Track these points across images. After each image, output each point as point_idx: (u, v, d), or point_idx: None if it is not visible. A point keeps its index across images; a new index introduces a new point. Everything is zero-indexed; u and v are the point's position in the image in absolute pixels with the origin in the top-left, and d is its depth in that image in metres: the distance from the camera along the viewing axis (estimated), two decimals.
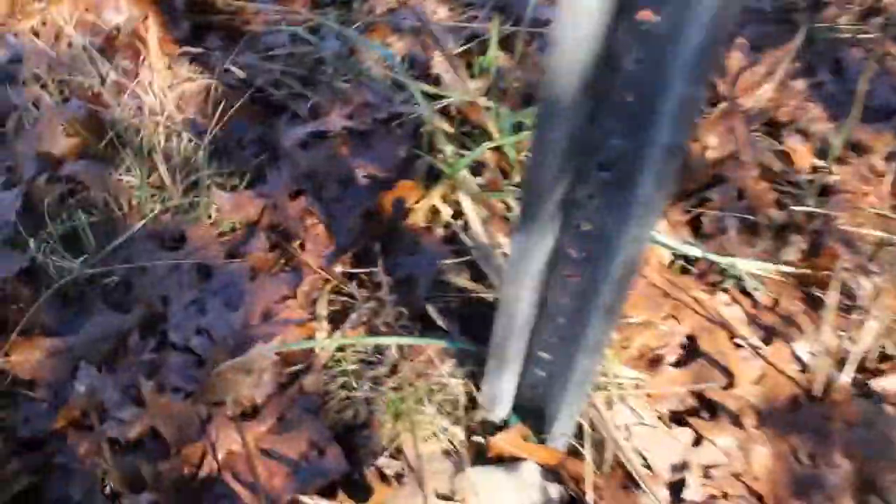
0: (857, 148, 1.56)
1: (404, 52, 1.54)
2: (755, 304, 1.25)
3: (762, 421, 1.11)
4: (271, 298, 1.14)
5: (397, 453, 1.01)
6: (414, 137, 1.36)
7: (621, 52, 0.57)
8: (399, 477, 0.98)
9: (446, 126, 1.36)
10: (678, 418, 1.12)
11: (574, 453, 1.03)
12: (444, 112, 1.39)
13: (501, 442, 1.00)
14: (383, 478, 0.97)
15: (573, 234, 0.79)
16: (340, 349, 1.07)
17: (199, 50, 1.51)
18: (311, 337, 1.09)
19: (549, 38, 0.63)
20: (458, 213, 1.25)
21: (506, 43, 1.59)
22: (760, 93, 1.62)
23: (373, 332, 1.09)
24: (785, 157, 1.50)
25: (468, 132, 1.38)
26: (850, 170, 1.50)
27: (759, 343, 1.19)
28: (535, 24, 1.66)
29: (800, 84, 1.71)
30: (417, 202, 1.25)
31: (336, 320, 1.12)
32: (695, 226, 1.35)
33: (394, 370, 1.04)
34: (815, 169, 1.50)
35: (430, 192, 1.24)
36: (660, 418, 1.11)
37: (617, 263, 0.74)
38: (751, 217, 1.37)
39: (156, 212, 1.23)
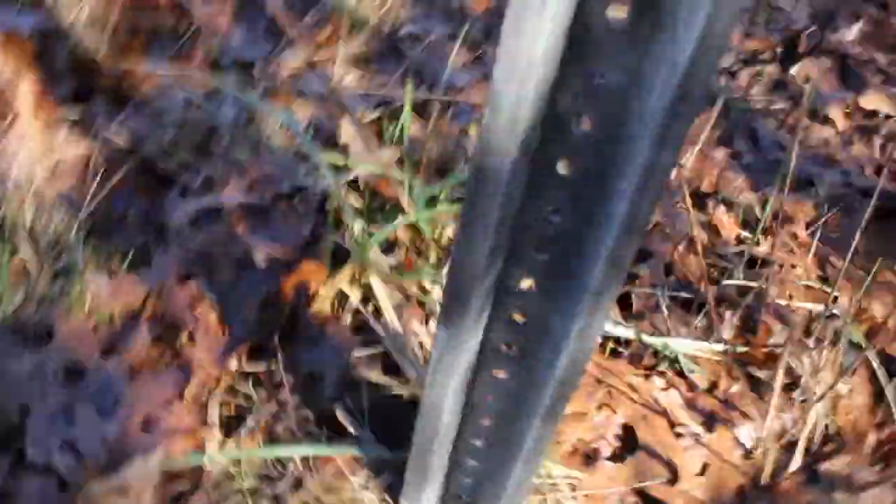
0: (779, 218, 1.53)
1: (309, 119, 1.43)
2: (692, 387, 1.16)
3: None
4: (154, 402, 0.98)
5: None
6: (319, 213, 1.24)
7: (572, 110, 0.47)
8: None
9: (355, 201, 1.24)
10: None
11: None
12: (353, 185, 1.28)
13: None
14: None
15: (504, 326, 0.67)
16: (236, 462, 0.92)
17: (79, 115, 1.35)
18: (200, 448, 0.93)
19: (481, 112, 0.53)
20: (368, 298, 1.12)
21: (419, 110, 1.51)
22: (683, 161, 1.58)
23: (273, 439, 0.94)
24: (712, 228, 1.45)
25: (379, 207, 1.27)
26: (775, 241, 1.46)
27: (699, 430, 1.10)
28: (450, 91, 1.58)
29: (719, 153, 1.68)
30: (322, 287, 1.11)
31: (230, 427, 0.97)
32: (623, 304, 1.27)
33: (298, 485, 0.90)
34: (740, 240, 1.45)
35: (337, 274, 1.11)
36: None
37: (560, 362, 0.63)
38: (682, 294, 1.29)
39: (17, 303, 1.06)
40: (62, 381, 0.98)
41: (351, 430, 0.95)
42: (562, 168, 0.52)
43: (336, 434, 0.95)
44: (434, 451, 0.78)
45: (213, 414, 0.97)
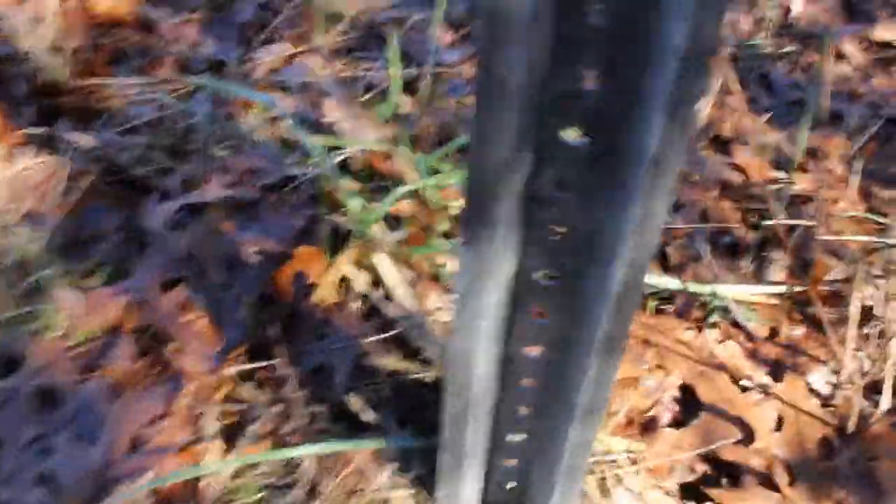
0: (812, 155, 1.40)
1: (293, 109, 1.31)
2: (751, 336, 1.03)
3: (796, 476, 0.87)
4: (141, 421, 0.85)
5: None
6: (312, 202, 1.12)
7: None
8: None
9: (350, 183, 1.12)
10: (693, 492, 0.86)
11: None
12: (346, 171, 1.16)
13: None
14: None
15: (541, 246, 0.55)
16: (238, 475, 0.79)
17: (45, 135, 1.25)
18: (196, 463, 0.80)
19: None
20: (377, 282, 1.00)
21: (411, 90, 1.40)
22: (698, 109, 1.45)
23: (280, 444, 0.81)
24: (741, 171, 1.32)
25: (377, 187, 1.15)
26: (812, 178, 1.33)
27: (767, 381, 0.97)
28: (440, 67, 1.48)
29: (735, 99, 1.56)
30: (323, 274, 0.99)
31: (232, 436, 0.84)
32: (659, 258, 1.14)
33: (313, 492, 0.77)
34: (774, 181, 1.32)
35: (338, 258, 0.99)
36: (668, 494, 0.85)
37: (614, 275, 0.51)
38: (723, 240, 1.17)
39: None
40: (36, 408, 0.86)
41: (370, 421, 0.83)
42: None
43: (353, 429, 0.82)
44: (468, 421, 0.65)
45: (211, 425, 0.85)
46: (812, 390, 0.97)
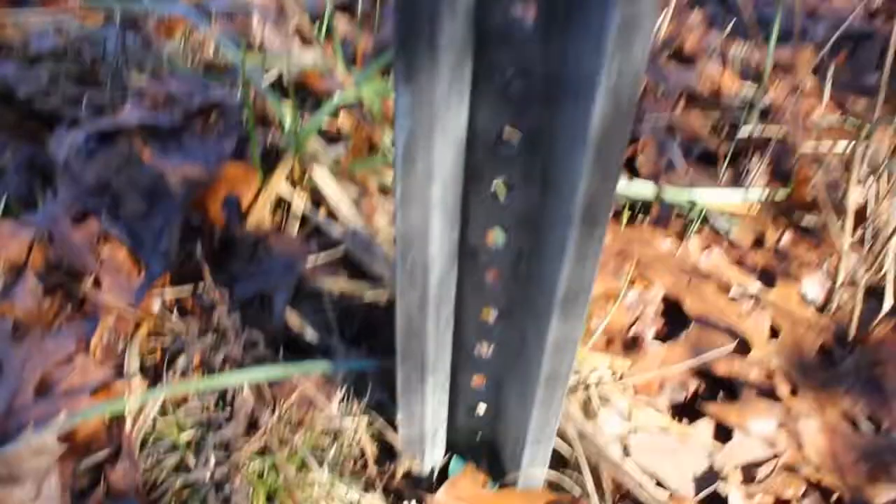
0: (780, 68, 1.32)
1: (219, 34, 1.18)
2: (735, 245, 0.94)
3: (797, 387, 0.79)
4: (51, 361, 0.73)
5: None
6: (242, 127, 0.99)
7: None
8: None
9: (282, 102, 1.00)
10: (686, 410, 0.77)
11: (556, 489, 0.67)
12: (278, 89, 1.04)
13: (446, 500, 0.63)
14: None
15: (497, 90, 0.44)
16: (165, 412, 0.67)
17: None
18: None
19: None
20: (317, 201, 0.89)
21: (347, 10, 1.28)
22: (657, 23, 1.36)
23: (213, 374, 0.70)
24: (708, 85, 1.24)
25: (313, 105, 1.03)
26: (783, 89, 1.25)
27: (757, 289, 0.88)
28: None
29: (694, 16, 1.47)
30: (256, 196, 0.87)
31: (158, 373, 0.72)
32: (628, 170, 1.04)
33: (253, 425, 0.65)
34: (741, 94, 1.24)
35: (271, 177, 0.87)
36: (659, 412, 0.76)
37: (591, 108, 0.40)
38: (695, 149, 1.08)
39: None
40: None
41: (315, 343, 0.71)
42: None
43: (297, 356, 0.70)
44: (427, 328, 0.54)
45: (133, 362, 0.73)
46: (806, 297, 0.89)
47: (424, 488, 0.65)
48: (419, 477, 0.67)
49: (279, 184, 0.87)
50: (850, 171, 0.84)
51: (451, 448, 0.69)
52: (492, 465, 0.68)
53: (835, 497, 0.71)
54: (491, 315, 0.58)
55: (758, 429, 0.74)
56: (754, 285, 0.88)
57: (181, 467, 0.64)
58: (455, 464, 0.69)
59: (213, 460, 0.63)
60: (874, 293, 0.86)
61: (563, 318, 0.53)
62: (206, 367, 0.70)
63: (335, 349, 0.70)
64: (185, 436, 0.65)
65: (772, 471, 0.72)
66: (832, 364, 0.82)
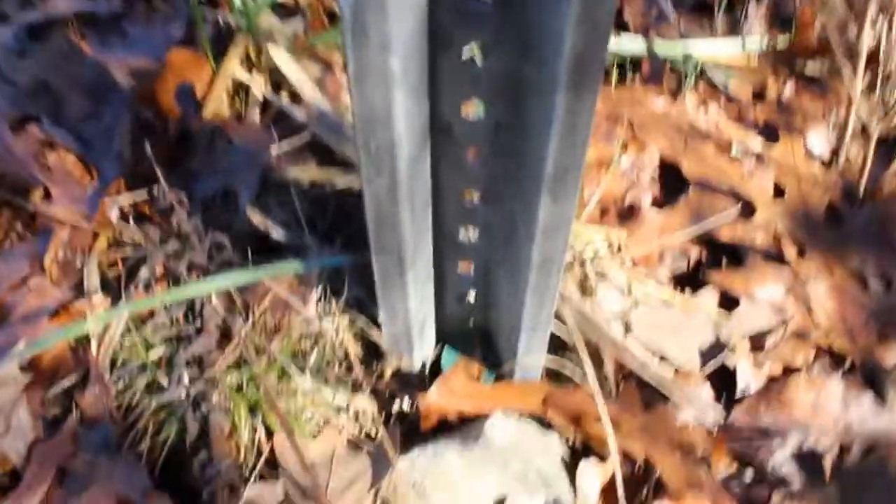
0: None
1: None
2: (733, 100, 0.87)
3: (804, 248, 0.74)
4: (4, 286, 0.68)
5: (270, 471, 0.58)
6: (188, 8, 0.90)
7: None
8: None
9: None
10: (689, 280, 0.73)
11: (556, 376, 0.63)
12: None
13: (439, 397, 0.59)
14: None
15: None
16: (131, 330, 0.62)
17: None
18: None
19: None
20: (278, 84, 0.81)
21: None
22: None
23: (178, 285, 0.64)
24: None
25: None
26: None
27: (759, 146, 0.82)
28: None
29: None
30: (211, 84, 0.79)
31: (120, 288, 0.67)
32: (616, 24, 0.96)
33: (226, 336, 0.61)
34: None
35: (225, 62, 0.79)
36: (660, 284, 0.71)
37: None
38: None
39: None
40: None
41: (285, 241, 0.66)
42: None
43: (268, 257, 0.65)
44: (402, 214, 0.48)
45: (93, 279, 0.67)
46: (812, 152, 0.83)
47: (416, 386, 0.61)
48: (409, 374, 0.63)
49: (234, 68, 0.79)
50: (864, 7, 0.76)
51: (443, 339, 0.65)
52: (486, 354, 0.64)
53: (846, 362, 0.67)
54: (473, 197, 0.53)
55: (765, 295, 0.70)
56: (756, 142, 0.81)
57: (154, 388, 0.60)
58: (447, 355, 0.65)
59: (186, 377, 0.59)
60: (884, 144, 0.80)
61: (554, 198, 0.47)
62: (171, 278, 0.65)
63: (307, 246, 0.65)
64: (155, 354, 0.61)
65: (781, 338, 0.68)
66: (840, 222, 0.77)
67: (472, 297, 0.61)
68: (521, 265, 0.52)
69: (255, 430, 0.58)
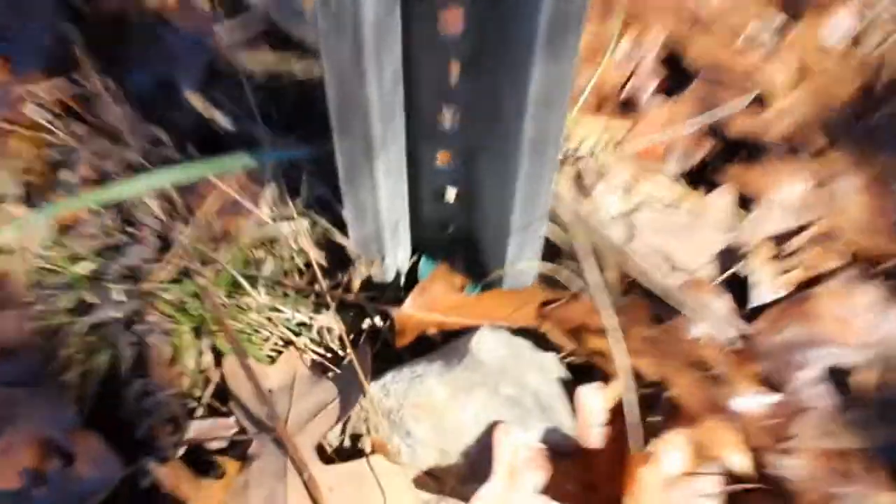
0: None
1: None
2: None
3: (828, 142, 0.65)
4: None
5: (220, 403, 0.49)
6: None
7: None
8: (242, 450, 0.47)
9: None
10: (699, 178, 0.64)
11: (552, 284, 0.55)
12: None
13: (416, 308, 0.50)
14: (203, 467, 0.46)
15: None
16: (57, 242, 0.53)
17: None
18: None
19: None
20: None
21: None
22: None
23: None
24: None
25: None
26: None
27: (775, 31, 0.72)
28: None
29: None
30: None
31: (42, 196, 0.57)
32: None
33: (165, 243, 0.51)
34: None
35: None
36: (666, 183, 0.63)
37: None
38: None
39: None
40: None
41: (233, 130, 0.56)
42: None
43: (214, 154, 0.55)
44: (366, 79, 0.39)
45: (7, 185, 0.57)
46: (837, 33, 0.73)
47: (390, 300, 0.53)
48: (382, 285, 0.54)
49: None
50: None
51: (419, 248, 0.57)
52: (470, 264, 0.55)
53: (879, 269, 0.59)
54: (453, 68, 0.43)
55: (784, 195, 0.62)
56: (774, 21, 0.72)
57: (81, 308, 0.51)
58: (425, 265, 0.56)
59: (118, 294, 0.50)
60: None
61: (548, 57, 0.38)
62: (100, 179, 0.55)
63: (260, 139, 0.55)
64: (81, 268, 0.52)
65: (803, 243, 0.60)
66: (866, 115, 0.68)
67: (451, 195, 0.52)
68: (510, 148, 0.43)
69: (200, 355, 0.49)
